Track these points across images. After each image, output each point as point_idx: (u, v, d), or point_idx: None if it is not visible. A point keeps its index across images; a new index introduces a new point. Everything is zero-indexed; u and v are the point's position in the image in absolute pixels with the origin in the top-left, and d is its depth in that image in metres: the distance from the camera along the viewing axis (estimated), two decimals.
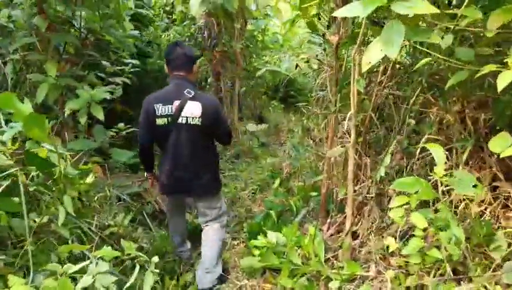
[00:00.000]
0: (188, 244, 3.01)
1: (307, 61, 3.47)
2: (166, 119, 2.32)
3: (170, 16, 8.02)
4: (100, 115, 2.41)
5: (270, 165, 5.41)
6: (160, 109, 2.31)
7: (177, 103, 2.30)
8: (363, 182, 2.42)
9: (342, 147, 2.33)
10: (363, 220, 2.42)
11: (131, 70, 3.47)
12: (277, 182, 3.91)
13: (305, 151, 3.94)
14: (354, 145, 2.20)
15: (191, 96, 2.30)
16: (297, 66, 3.80)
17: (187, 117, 2.32)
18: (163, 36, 6.22)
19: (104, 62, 3.12)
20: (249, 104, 8.01)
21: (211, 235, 2.60)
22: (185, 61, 2.40)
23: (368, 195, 2.41)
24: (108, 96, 2.57)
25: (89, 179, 2.07)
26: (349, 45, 2.26)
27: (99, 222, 2.38)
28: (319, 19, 3.28)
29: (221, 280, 2.62)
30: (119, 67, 3.36)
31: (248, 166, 5.82)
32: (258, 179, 5.04)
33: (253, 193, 4.60)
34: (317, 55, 4.11)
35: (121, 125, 3.53)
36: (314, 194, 3.23)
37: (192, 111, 2.31)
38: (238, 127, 7.02)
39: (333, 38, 2.42)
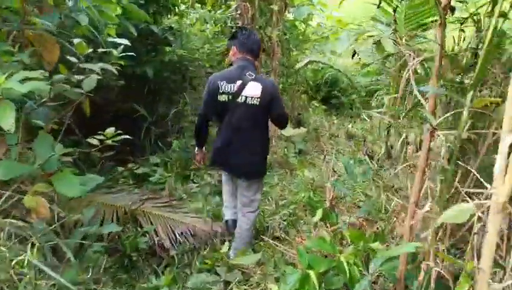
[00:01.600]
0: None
1: (375, 43, 2.24)
2: (227, 96, 2.43)
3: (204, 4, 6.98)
4: (4, 122, 1.31)
5: (309, 182, 4.23)
6: (224, 86, 2.43)
7: (239, 82, 2.41)
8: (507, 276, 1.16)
9: (467, 202, 1.10)
10: None
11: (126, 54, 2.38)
12: (318, 215, 2.69)
13: (363, 176, 2.69)
14: (505, 206, 0.97)
15: (252, 77, 2.41)
16: (354, 54, 2.59)
17: (246, 96, 2.42)
18: (187, 22, 5.18)
19: (75, 40, 2.06)
20: (285, 104, 6.81)
21: (244, 225, 2.71)
22: (256, 47, 2.53)
23: None
24: (36, 91, 1.46)
25: None
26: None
27: None
28: None
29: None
30: (103, 50, 2.30)
31: (281, 180, 4.64)
32: (293, 200, 3.86)
33: (284, 220, 3.43)
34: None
35: (110, 130, 2.45)
36: (379, 249, 2.00)
37: (252, 91, 2.41)
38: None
39: None
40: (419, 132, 2.41)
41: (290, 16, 5.83)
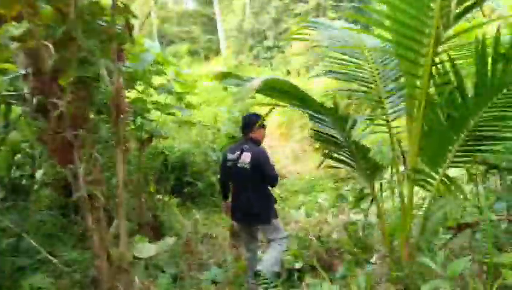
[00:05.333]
0: None
1: None
2: (231, 162, 3.19)
3: None
4: None
5: None
6: (229, 155, 3.25)
7: (237, 152, 3.17)
8: None
9: None
10: None
11: None
12: None
13: None
14: None
15: (247, 148, 3.14)
16: None
17: (242, 162, 3.12)
18: None
19: None
20: (128, 207, 4.19)
21: (271, 251, 3.14)
22: (244, 127, 3.27)
23: None
24: None
25: None
26: None
27: None
28: None
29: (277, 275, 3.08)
30: None
31: None
32: None
33: None
34: None
35: None
36: None
37: (245, 159, 3.11)
38: (118, 258, 3.10)
39: None
40: None
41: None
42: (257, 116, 3.23)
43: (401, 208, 1.90)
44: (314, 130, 2.06)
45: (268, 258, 3.05)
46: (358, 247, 2.75)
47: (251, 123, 3.19)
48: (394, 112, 2.11)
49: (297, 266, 3.09)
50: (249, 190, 3.09)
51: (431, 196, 1.85)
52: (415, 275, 1.71)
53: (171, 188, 5.40)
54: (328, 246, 3.20)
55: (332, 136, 1.95)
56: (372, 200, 2.04)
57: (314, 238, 3.47)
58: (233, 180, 3.20)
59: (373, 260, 2.62)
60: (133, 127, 4.05)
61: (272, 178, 3.13)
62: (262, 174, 3.07)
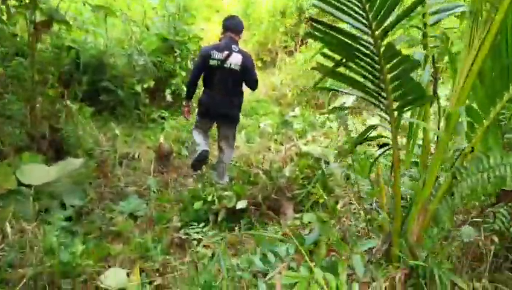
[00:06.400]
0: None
1: None
2: (217, 62, 3.08)
3: None
4: None
5: None
6: (215, 54, 3.08)
7: (226, 52, 3.08)
8: None
9: None
10: None
11: None
12: None
13: None
14: None
15: (236, 50, 3.12)
16: None
17: (231, 63, 3.08)
18: None
19: None
20: (16, 113, 3.06)
21: (226, 155, 3.36)
22: (236, 28, 3.25)
23: None
24: None
25: None
26: None
27: None
28: None
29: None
30: None
31: None
32: None
33: None
34: None
35: None
36: None
37: (235, 60, 3.09)
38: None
39: None
40: None
41: None
42: (241, 21, 3.33)
43: (422, 158, 1.30)
44: (313, 20, 1.20)
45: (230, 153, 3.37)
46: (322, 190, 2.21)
47: (239, 26, 3.27)
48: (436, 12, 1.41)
49: (240, 206, 2.50)
50: (232, 91, 3.17)
51: (468, 149, 1.27)
52: (429, 258, 1.19)
53: (83, 94, 4.27)
54: (279, 183, 2.63)
55: (347, 34, 1.15)
56: (382, 145, 1.41)
57: (261, 172, 2.87)
58: (217, 80, 3.12)
59: (339, 207, 2.12)
60: (21, 3, 2.79)
61: (256, 82, 3.27)
62: (248, 77, 3.18)
